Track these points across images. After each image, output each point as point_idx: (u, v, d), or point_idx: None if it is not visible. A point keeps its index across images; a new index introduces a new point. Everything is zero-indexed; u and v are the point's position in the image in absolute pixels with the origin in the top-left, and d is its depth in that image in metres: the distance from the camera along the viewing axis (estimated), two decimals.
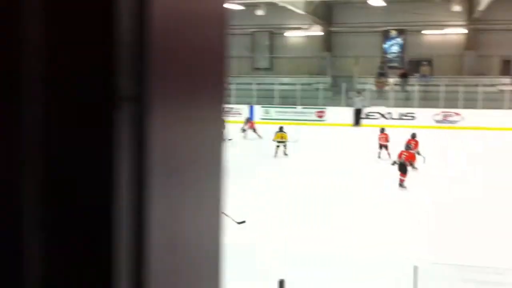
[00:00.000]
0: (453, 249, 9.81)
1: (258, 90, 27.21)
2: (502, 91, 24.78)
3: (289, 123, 25.13)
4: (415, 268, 6.04)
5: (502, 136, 21.77)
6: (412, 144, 15.65)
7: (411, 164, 14.39)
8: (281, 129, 18.08)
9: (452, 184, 14.13)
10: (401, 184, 14.00)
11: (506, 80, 26.51)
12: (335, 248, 9.63)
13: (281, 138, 18.06)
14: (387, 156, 16.94)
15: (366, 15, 28.82)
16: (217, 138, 0.65)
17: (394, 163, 14.58)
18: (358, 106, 24.38)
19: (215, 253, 0.65)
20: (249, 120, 20.33)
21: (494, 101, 24.29)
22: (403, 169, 14.03)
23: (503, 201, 13.02)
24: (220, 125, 0.66)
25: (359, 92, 24.80)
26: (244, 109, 26.53)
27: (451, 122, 24.01)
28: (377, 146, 18.05)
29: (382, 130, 17.63)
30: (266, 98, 27.11)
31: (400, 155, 14.39)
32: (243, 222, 10.47)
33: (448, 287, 7.88)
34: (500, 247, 10.10)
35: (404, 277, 6.53)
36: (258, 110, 26.16)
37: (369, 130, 23.79)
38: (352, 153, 18.68)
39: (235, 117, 26.54)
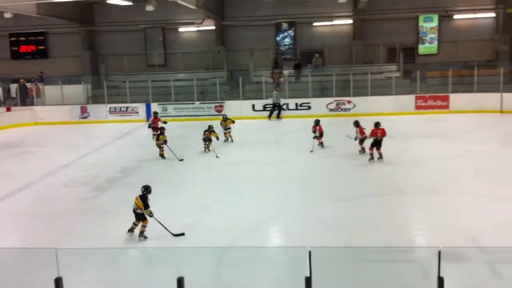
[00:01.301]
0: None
1: (154, 87, 26.65)
2: (389, 78, 26.00)
3: (187, 119, 24.96)
4: (309, 252, 6.13)
5: (392, 121, 22.89)
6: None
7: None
8: (209, 127, 17.94)
9: None
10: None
11: (392, 67, 27.89)
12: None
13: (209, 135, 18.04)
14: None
15: (257, 8, 29.17)
16: None
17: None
18: (276, 100, 24.45)
19: None
20: (156, 116, 19.79)
21: (382, 88, 25.47)
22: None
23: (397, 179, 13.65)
24: None
25: (278, 86, 24.91)
26: (140, 108, 25.94)
27: (344, 110, 24.85)
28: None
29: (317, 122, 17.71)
30: (163, 95, 26.64)
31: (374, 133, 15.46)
32: (182, 234, 10.35)
33: (343, 269, 8.10)
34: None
35: (298, 260, 6.60)
36: (155, 108, 25.61)
37: (269, 123, 24.31)
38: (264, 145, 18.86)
39: (131, 116, 25.91)
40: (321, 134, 17.44)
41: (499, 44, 28.82)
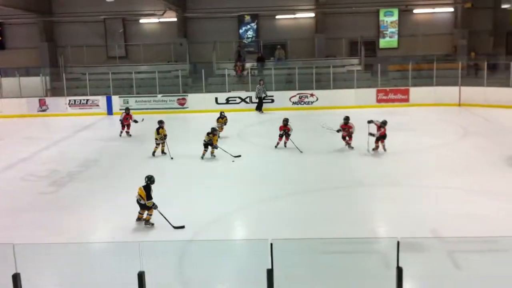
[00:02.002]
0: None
1: (115, 79, 26.21)
2: (351, 72, 26.24)
3: (150, 112, 24.64)
4: (271, 245, 6.13)
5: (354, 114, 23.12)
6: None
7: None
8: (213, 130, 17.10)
9: None
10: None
11: (354, 61, 28.17)
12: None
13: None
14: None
15: (220, 0, 29.01)
16: None
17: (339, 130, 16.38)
18: (260, 94, 24.30)
19: None
20: (128, 113, 19.37)
21: (344, 81, 25.70)
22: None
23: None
24: None
25: (261, 80, 24.69)
26: (101, 100, 25.48)
27: (306, 103, 24.98)
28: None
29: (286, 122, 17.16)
30: (124, 88, 26.23)
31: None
32: (182, 227, 10.29)
33: (304, 260, 8.14)
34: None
35: (260, 253, 6.60)
36: (116, 100, 25.22)
37: (231, 115, 24.18)
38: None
39: (92, 109, 25.44)
40: (283, 134, 16.70)
41: (458, 39, 29.45)
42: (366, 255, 8.61)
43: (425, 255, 8.82)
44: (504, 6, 26.19)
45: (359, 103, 24.43)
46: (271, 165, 15.12)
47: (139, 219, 10.70)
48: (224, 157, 15.80)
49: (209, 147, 15.81)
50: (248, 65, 27.47)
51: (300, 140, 16.72)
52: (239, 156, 15.72)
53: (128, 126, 19.55)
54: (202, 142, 15.78)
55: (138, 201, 10.55)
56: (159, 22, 30.53)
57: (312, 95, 25.04)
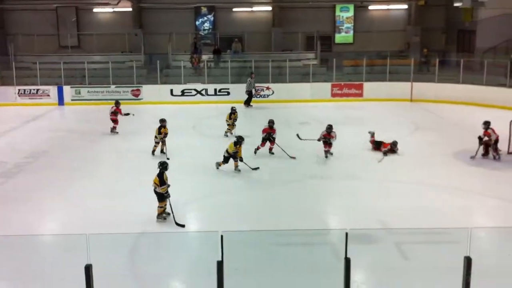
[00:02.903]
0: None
1: (67, 69, 25.54)
2: (307, 66, 26.40)
3: (102, 103, 24.14)
4: (222, 237, 6.09)
5: (309, 108, 23.33)
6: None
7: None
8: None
9: None
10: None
11: (310, 55, 28.35)
12: None
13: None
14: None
15: None
16: None
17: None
18: (250, 88, 23.78)
19: None
20: (117, 106, 18.45)
21: (300, 75, 25.84)
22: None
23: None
24: None
25: (252, 73, 24.26)
26: (52, 90, 24.80)
27: (263, 96, 24.98)
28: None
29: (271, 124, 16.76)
30: (76, 78, 25.60)
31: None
32: (182, 226, 10.04)
33: (255, 252, 8.15)
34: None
35: (210, 245, 6.57)
36: (68, 91, 24.60)
37: (186, 107, 23.95)
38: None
39: (42, 99, 24.74)
40: (267, 138, 15.11)
41: (411, 35, 30.04)
42: (317, 246, 8.69)
43: (374, 247, 8.99)
44: (456, 4, 26.84)
45: (314, 97, 24.62)
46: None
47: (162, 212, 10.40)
48: (176, 150, 15.62)
49: (231, 160, 13.49)
50: (204, 57, 27.24)
51: (255, 133, 16.69)
52: (257, 168, 13.71)
53: (115, 121, 18.25)
54: (224, 154, 13.59)
55: (154, 190, 10.28)
56: (114, 11, 29.89)
57: (268, 88, 25.06)
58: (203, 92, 25.00)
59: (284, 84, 25.21)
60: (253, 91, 24.12)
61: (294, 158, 14.32)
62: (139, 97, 24.75)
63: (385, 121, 20.29)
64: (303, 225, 9.68)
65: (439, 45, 30.08)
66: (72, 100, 24.58)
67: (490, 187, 12.30)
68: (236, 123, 17.74)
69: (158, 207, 10.25)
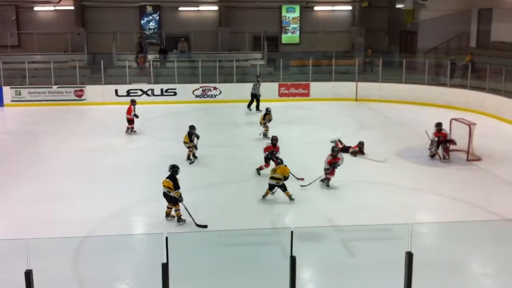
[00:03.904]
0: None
1: (6, 69, 24.61)
2: (254, 66, 26.44)
3: (44, 104, 23.43)
4: (167, 239, 5.98)
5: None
6: None
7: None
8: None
9: None
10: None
11: (257, 55, 28.42)
12: None
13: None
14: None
15: None
16: None
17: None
18: (254, 91, 22.61)
19: None
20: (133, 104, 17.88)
21: (247, 75, 25.83)
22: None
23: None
24: None
25: (258, 77, 23.59)
26: None
27: (210, 96, 24.86)
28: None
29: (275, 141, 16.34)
30: (16, 78, 24.71)
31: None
32: (205, 226, 9.76)
33: (202, 253, 8.06)
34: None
35: (155, 247, 6.46)
36: (8, 91, 23.72)
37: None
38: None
39: None
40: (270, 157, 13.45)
41: (355, 36, 30.63)
42: (264, 246, 8.69)
43: (321, 244, 9.06)
44: (398, 5, 27.59)
45: (262, 97, 24.63)
46: (173, 159, 14.84)
47: (167, 214, 10.22)
48: (124, 151, 15.32)
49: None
50: (150, 57, 26.84)
51: (203, 133, 16.55)
52: (303, 179, 12.53)
53: (132, 121, 17.80)
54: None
55: (166, 194, 10.04)
56: (55, 10, 29.09)
57: (215, 88, 24.95)
58: (149, 92, 24.62)
59: (231, 84, 25.16)
60: (258, 94, 22.64)
61: (302, 179, 12.56)
62: (83, 97, 24.14)
63: (331, 120, 20.57)
64: (250, 225, 9.66)
65: (383, 46, 30.84)
66: (12, 101, 23.68)
67: (432, 184, 12.64)
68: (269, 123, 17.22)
69: (176, 210, 10.08)
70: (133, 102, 18.14)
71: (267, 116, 17.24)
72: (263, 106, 20.17)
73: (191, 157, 14.43)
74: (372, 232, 9.43)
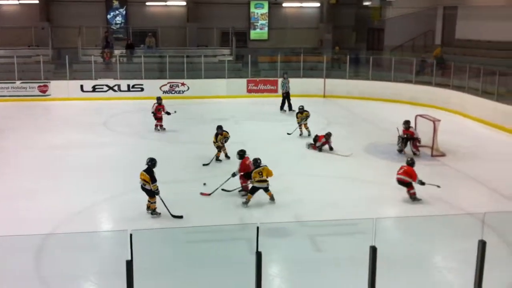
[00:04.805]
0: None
1: None
2: (222, 62, 26.36)
3: (7, 99, 22.92)
4: (131, 236, 5.90)
5: (225, 104, 23.28)
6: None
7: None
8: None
9: None
10: None
11: (226, 51, 28.33)
12: None
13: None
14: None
15: None
16: None
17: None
18: (286, 89, 22.08)
19: None
20: (159, 103, 17.44)
21: (215, 71, 25.75)
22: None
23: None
24: None
25: (285, 73, 22.99)
26: None
27: (178, 92, 24.69)
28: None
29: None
30: None
31: None
32: (180, 217, 9.85)
33: (167, 250, 7.99)
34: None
35: (120, 244, 6.37)
36: None
37: (97, 104, 23.16)
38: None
39: None
40: None
41: (323, 33, 30.80)
42: (230, 242, 8.66)
43: (287, 240, 9.09)
44: (366, 3, 27.85)
45: (230, 93, 24.63)
46: (138, 154, 14.69)
47: (148, 207, 10.13)
48: (89, 147, 15.09)
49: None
50: (116, 52, 26.48)
51: (171, 129, 16.46)
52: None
53: (161, 119, 17.46)
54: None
55: (142, 187, 9.99)
56: (19, 3, 28.41)
57: (183, 84, 24.79)
58: (116, 88, 24.31)
59: (199, 80, 25.02)
60: (288, 92, 22.04)
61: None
62: (47, 93, 23.69)
63: None
64: (216, 221, 9.63)
65: (350, 43, 31.08)
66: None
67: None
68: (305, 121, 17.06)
69: (151, 202, 10.06)
70: (159, 100, 17.68)
71: (299, 115, 17.11)
72: (245, 102, 19.96)
73: (220, 158, 14.17)
74: (338, 227, 9.51)
